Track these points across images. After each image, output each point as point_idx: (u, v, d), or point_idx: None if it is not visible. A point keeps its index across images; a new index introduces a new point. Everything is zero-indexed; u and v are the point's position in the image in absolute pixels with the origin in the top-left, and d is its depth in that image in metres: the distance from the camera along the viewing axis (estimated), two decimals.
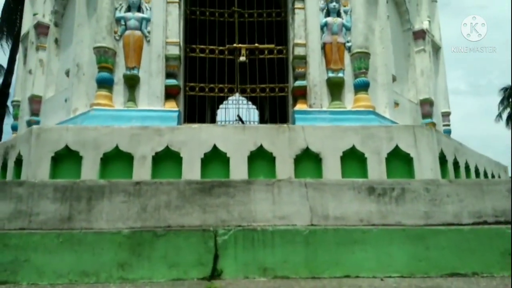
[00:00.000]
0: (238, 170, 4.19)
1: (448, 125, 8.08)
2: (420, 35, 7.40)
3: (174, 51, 5.39)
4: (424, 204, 3.20)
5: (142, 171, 4.12)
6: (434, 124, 7.21)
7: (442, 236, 2.98)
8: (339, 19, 5.64)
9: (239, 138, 4.30)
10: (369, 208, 3.17)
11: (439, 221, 3.17)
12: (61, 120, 5.53)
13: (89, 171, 4.07)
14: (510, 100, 28.75)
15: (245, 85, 5.97)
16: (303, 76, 5.48)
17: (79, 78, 5.51)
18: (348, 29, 5.66)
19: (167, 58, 5.35)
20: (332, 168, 4.25)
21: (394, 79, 6.28)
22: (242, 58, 5.93)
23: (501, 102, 29.51)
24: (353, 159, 4.35)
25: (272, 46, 6.01)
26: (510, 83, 26.84)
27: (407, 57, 7.29)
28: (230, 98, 11.74)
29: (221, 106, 12.76)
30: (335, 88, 5.46)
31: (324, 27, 5.61)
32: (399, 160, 4.37)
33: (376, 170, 4.25)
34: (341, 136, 4.37)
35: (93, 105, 5.11)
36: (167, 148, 4.22)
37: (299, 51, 5.49)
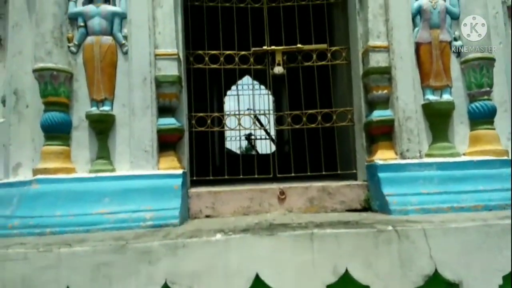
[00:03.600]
0: None
1: None
2: None
3: (171, 69, 3.21)
4: None
5: None
6: None
7: None
8: (440, 1, 3.39)
9: (303, 260, 2.22)
10: None
11: None
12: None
13: None
14: None
15: (282, 113, 3.81)
16: (385, 102, 3.30)
17: (20, 114, 3.36)
18: (455, 17, 3.43)
19: (159, 83, 3.18)
20: None
21: None
22: (278, 69, 3.73)
23: None
24: None
25: (323, 46, 3.80)
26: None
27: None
28: (239, 83, 9.63)
29: (228, 92, 10.65)
30: (438, 120, 3.30)
31: (416, 15, 3.38)
32: None
33: None
34: (497, 246, 2.27)
35: (37, 171, 3.01)
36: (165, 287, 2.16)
37: (377, 59, 3.28)
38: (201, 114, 3.67)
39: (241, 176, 3.71)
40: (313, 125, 3.74)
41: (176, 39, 3.26)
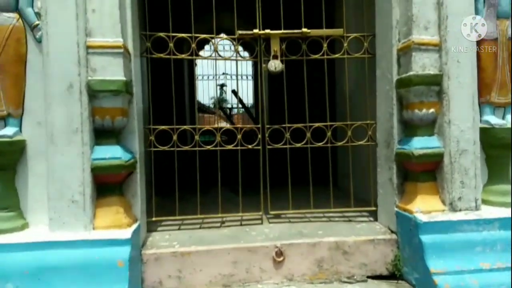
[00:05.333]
0: None
1: None
2: None
3: (113, 71, 2.04)
4: None
5: None
6: None
7: None
8: None
9: None
10: None
11: None
12: None
13: None
14: None
15: (279, 125, 2.73)
16: (430, 126, 2.30)
17: None
18: None
19: (94, 92, 2.02)
20: None
21: None
22: (275, 65, 2.63)
23: None
24: None
25: (339, 31, 2.70)
26: None
27: None
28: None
29: (201, 52, 9.40)
30: (498, 152, 2.37)
31: None
32: None
33: None
34: None
35: None
36: None
37: (423, 62, 2.24)
38: (164, 127, 2.56)
39: (220, 215, 2.69)
40: (320, 144, 2.71)
41: (121, 20, 2.07)
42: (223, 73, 11.18)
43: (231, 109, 13.68)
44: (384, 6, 2.50)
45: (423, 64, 2.24)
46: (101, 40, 2.02)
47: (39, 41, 2.05)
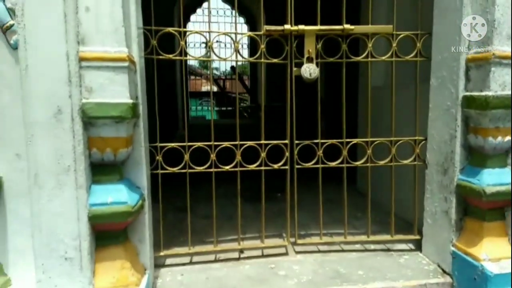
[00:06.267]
0: None
1: None
2: None
3: (115, 91, 1.55)
4: None
5: None
6: None
7: None
8: None
9: None
10: None
11: None
12: None
13: None
14: None
15: (310, 141, 2.28)
16: (503, 156, 1.89)
17: None
18: None
19: (91, 119, 1.54)
20: None
21: None
22: (310, 69, 2.16)
23: None
24: None
25: (388, 29, 2.21)
26: None
27: None
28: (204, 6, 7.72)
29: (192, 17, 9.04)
30: None
31: None
32: None
33: None
34: None
35: None
36: None
37: (503, 80, 1.79)
38: (174, 145, 2.09)
39: (239, 247, 2.29)
40: (358, 164, 2.30)
41: (125, 22, 1.56)
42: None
43: (224, 79, 13.11)
44: (448, 1, 2.01)
45: (503, 82, 1.80)
46: (98, 50, 1.52)
47: (14, 47, 1.54)
